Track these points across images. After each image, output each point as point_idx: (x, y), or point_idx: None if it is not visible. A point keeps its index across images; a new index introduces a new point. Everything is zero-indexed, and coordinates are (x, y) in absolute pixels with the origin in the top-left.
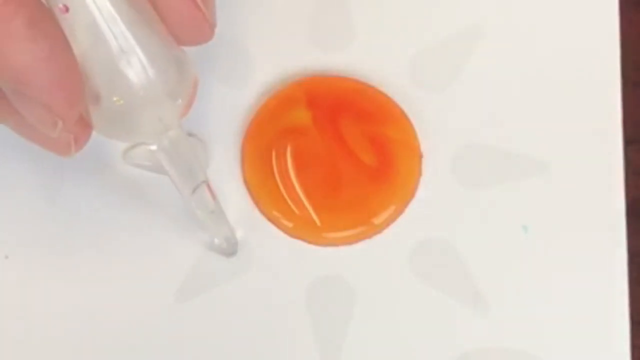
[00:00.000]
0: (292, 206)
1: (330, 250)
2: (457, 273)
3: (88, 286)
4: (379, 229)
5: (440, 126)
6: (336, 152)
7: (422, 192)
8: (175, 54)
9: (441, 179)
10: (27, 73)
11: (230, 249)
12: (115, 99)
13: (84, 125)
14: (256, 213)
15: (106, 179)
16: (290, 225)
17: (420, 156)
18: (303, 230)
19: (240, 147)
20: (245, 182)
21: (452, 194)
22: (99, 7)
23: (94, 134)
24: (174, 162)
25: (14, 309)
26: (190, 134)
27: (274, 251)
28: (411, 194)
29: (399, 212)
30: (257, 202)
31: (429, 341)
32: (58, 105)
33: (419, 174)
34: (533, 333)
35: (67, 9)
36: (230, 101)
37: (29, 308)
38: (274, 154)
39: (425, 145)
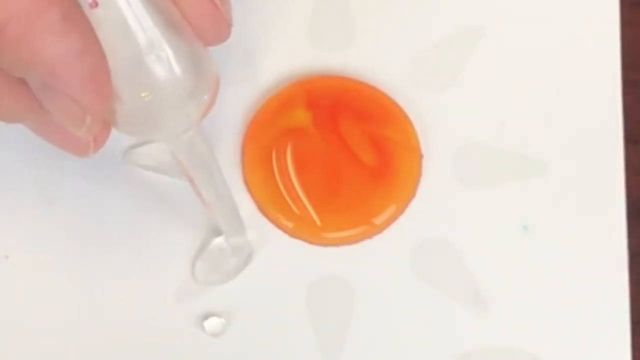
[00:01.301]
0: (292, 206)
1: (330, 250)
2: (457, 273)
3: (88, 286)
4: (379, 229)
5: (440, 126)
6: (336, 152)
7: (422, 192)
8: (199, 51)
9: (441, 179)
10: (59, 66)
11: (244, 259)
12: (143, 94)
13: (104, 125)
14: (256, 213)
15: (106, 179)
16: (290, 225)
17: (420, 156)
18: (303, 230)
19: (241, 147)
20: (246, 182)
21: (452, 194)
22: (127, 2)
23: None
24: (193, 162)
25: (14, 309)
26: None
27: (274, 251)
28: (411, 194)
29: (399, 212)
30: (257, 202)
31: (429, 341)
32: (88, 99)
33: (419, 174)
34: (533, 333)
35: (96, 4)
36: (230, 101)
37: (29, 308)
38: (274, 154)
39: (425, 145)
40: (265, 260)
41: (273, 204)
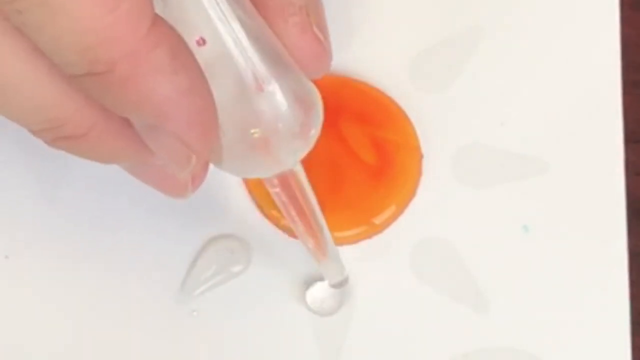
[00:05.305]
0: None
1: None
2: (457, 273)
3: (88, 286)
4: (379, 229)
5: (440, 126)
6: (337, 152)
7: (422, 192)
8: (306, 85)
9: (441, 179)
10: (167, 106)
11: (338, 285)
12: (252, 131)
13: (202, 164)
14: (256, 213)
15: (107, 178)
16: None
17: (421, 156)
18: None
19: None
20: (246, 182)
21: (452, 194)
22: (235, 39)
23: None
24: (298, 197)
25: (13, 309)
26: None
27: (274, 251)
28: (411, 194)
29: (399, 212)
30: (257, 203)
31: (429, 341)
32: (195, 139)
33: (419, 174)
34: (533, 333)
35: (204, 42)
36: None
37: (28, 308)
38: None
39: (425, 145)
40: (265, 260)
41: (273, 204)
